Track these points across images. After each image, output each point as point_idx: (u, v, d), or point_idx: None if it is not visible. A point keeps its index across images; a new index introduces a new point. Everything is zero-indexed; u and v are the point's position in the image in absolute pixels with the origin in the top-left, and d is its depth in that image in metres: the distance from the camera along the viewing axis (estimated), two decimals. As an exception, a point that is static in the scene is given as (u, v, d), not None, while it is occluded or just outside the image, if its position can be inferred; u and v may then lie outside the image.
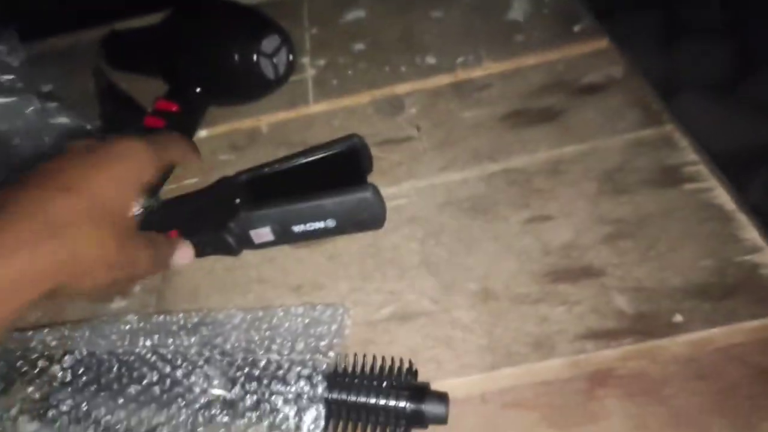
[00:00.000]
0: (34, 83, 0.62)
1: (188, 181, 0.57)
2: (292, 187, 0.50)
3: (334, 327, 0.41)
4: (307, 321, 0.42)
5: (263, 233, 0.48)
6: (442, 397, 0.35)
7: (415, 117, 0.58)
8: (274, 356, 0.39)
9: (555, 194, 0.48)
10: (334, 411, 0.36)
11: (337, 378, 0.37)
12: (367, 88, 0.62)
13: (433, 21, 0.68)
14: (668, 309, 0.39)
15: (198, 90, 0.58)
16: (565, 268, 0.43)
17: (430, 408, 0.35)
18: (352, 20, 0.72)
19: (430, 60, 0.63)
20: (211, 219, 0.48)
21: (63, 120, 0.58)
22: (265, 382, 0.38)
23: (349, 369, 0.38)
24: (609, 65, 0.57)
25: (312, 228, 0.47)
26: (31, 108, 0.55)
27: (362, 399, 0.36)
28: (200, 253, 0.48)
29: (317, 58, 0.67)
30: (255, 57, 0.56)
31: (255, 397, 0.37)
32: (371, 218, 0.47)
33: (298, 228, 0.48)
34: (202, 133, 0.61)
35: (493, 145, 0.53)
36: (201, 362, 0.39)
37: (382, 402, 0.35)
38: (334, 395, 0.36)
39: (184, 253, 0.46)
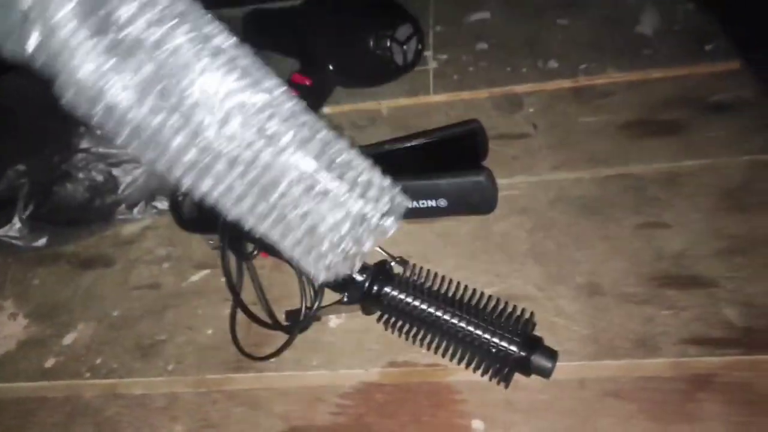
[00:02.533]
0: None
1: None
2: (409, 165, 0.52)
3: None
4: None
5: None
6: (553, 354, 0.36)
7: (533, 116, 0.59)
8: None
9: (671, 204, 0.48)
10: (451, 336, 0.39)
11: (456, 301, 0.40)
12: (487, 85, 0.64)
13: (559, 28, 0.69)
14: (783, 327, 0.39)
15: (331, 68, 0.61)
16: (675, 275, 0.43)
17: (540, 360, 0.36)
18: (476, 21, 0.74)
19: (553, 64, 0.64)
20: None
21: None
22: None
23: (474, 300, 0.40)
24: (739, 87, 0.56)
25: (424, 206, 0.50)
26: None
27: (478, 331, 0.38)
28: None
29: (440, 53, 0.70)
30: (388, 43, 0.59)
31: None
32: (483, 202, 0.49)
33: (411, 204, 0.50)
34: (326, 110, 0.65)
35: (610, 150, 0.54)
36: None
37: (496, 340, 0.37)
38: (451, 319, 0.38)
39: None
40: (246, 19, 0.73)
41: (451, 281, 0.42)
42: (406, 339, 0.41)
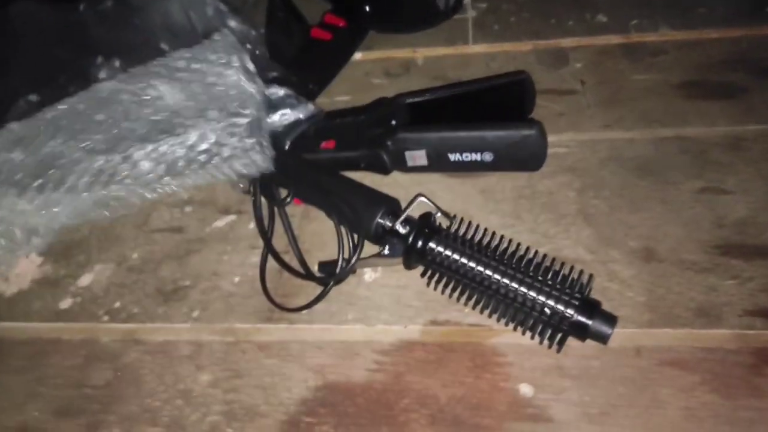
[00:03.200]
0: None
1: (340, 98, 0.57)
2: (452, 115, 0.49)
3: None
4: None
5: (418, 156, 0.47)
6: (612, 319, 0.34)
7: (580, 72, 0.56)
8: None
9: (733, 169, 0.45)
10: (500, 296, 0.36)
11: (507, 258, 0.37)
12: (530, 37, 0.60)
13: (608, -20, 0.65)
14: None
15: (367, 9, 0.57)
16: (738, 244, 0.41)
17: (598, 325, 0.34)
18: (517, -31, 0.70)
19: (601, 18, 0.60)
20: (369, 135, 0.48)
21: (232, 23, 0.59)
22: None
23: (526, 258, 0.38)
24: (802, 51, 0.53)
25: (468, 159, 0.47)
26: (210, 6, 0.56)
27: (531, 292, 0.35)
28: (354, 167, 0.48)
29: (479, 1, 0.66)
30: (431, -18, 0.55)
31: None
32: (531, 158, 0.46)
33: (453, 156, 0.47)
34: (357, 56, 0.61)
35: (666, 110, 0.50)
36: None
37: (551, 302, 0.35)
38: (502, 277, 0.36)
39: None
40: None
41: (501, 237, 0.39)
42: (451, 296, 0.39)
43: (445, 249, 0.38)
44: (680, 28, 0.58)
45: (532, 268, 0.37)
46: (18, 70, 0.54)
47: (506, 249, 0.38)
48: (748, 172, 0.45)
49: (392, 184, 0.48)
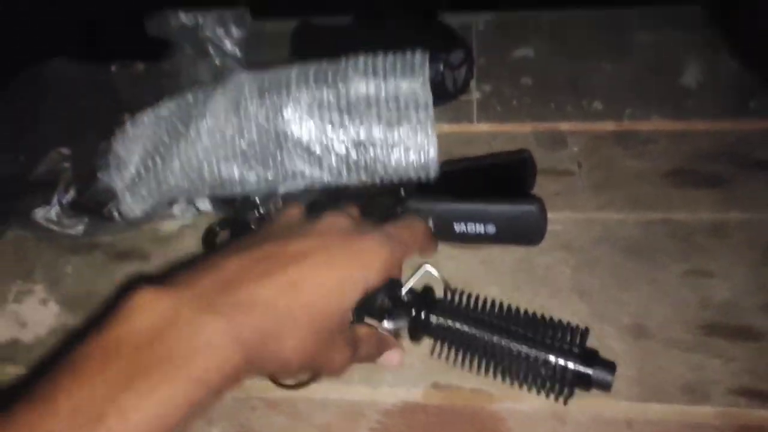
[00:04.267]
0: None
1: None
2: (458, 188, 0.52)
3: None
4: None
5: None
6: (612, 366, 0.36)
7: (576, 155, 0.60)
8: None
9: (717, 254, 0.48)
10: (505, 357, 0.38)
11: (505, 321, 0.39)
12: (531, 119, 0.64)
13: (604, 71, 0.70)
14: (833, 386, 0.39)
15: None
16: (722, 324, 0.43)
17: (600, 373, 0.36)
18: (519, 57, 0.75)
19: (597, 105, 0.65)
20: (379, 203, 0.51)
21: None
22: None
23: (523, 318, 0.40)
24: (783, 146, 0.57)
25: (472, 230, 0.50)
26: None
27: (534, 349, 0.37)
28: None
29: (483, 84, 0.71)
30: (441, 66, 0.60)
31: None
32: (531, 233, 0.49)
33: (458, 227, 0.50)
34: (369, 127, 0.65)
35: (655, 196, 0.54)
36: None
37: (553, 358, 0.37)
38: (503, 339, 0.38)
39: (392, 357, 0.41)
40: (295, 33, 0.74)
41: (494, 302, 0.42)
42: (456, 364, 0.40)
43: (448, 319, 0.40)
44: (671, 119, 0.62)
45: (531, 326, 0.39)
46: (50, 124, 0.58)
47: (502, 312, 0.40)
48: (731, 257, 0.48)
49: (399, 251, 0.51)
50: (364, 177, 0.51)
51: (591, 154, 0.59)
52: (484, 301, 0.42)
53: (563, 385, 0.37)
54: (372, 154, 0.50)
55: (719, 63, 0.69)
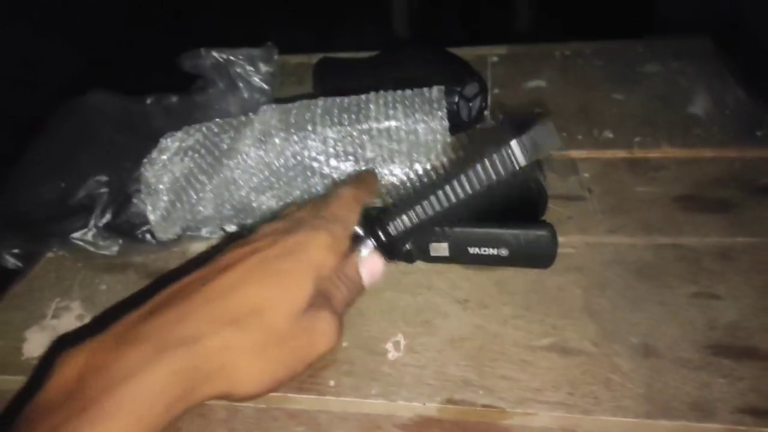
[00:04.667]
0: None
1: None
2: (472, 213, 0.55)
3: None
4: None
5: (441, 248, 0.53)
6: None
7: (588, 181, 0.62)
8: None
9: (724, 277, 0.50)
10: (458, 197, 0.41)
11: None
12: (543, 147, 0.67)
13: (614, 101, 0.73)
14: (838, 405, 0.40)
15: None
16: (728, 345, 0.45)
17: (535, 133, 0.39)
18: (532, 88, 0.78)
19: (608, 134, 0.67)
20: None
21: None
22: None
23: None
24: (789, 174, 0.59)
25: (485, 253, 0.52)
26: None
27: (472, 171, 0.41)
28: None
29: (497, 113, 0.73)
30: (456, 98, 0.63)
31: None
32: (542, 256, 0.51)
33: (473, 250, 0.52)
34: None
35: (664, 221, 0.56)
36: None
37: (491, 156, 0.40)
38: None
39: (371, 268, 0.41)
40: (317, 66, 0.77)
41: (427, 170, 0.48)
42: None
43: (400, 218, 0.43)
44: (680, 147, 0.64)
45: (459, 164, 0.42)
46: (89, 152, 0.61)
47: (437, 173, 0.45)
48: (738, 280, 0.49)
49: (416, 272, 0.54)
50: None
51: (602, 181, 0.62)
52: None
53: (512, 163, 0.39)
54: (393, 179, 0.53)
55: (727, 92, 0.71)
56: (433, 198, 0.41)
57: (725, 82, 0.73)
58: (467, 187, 0.40)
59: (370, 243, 0.42)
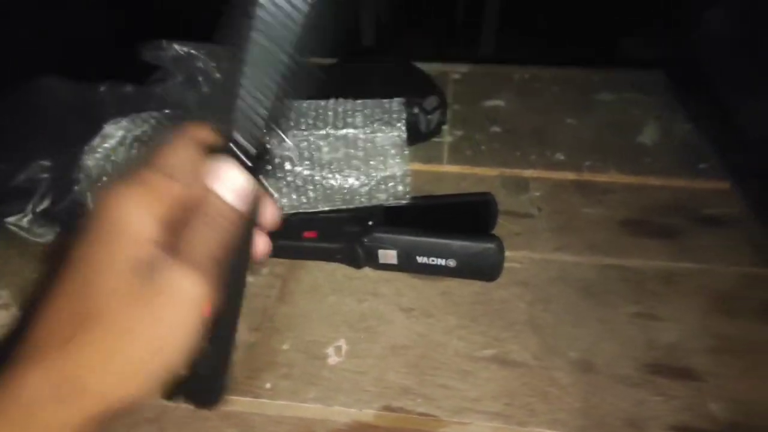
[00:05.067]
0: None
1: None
2: (424, 223, 0.55)
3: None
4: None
5: (389, 255, 0.52)
6: None
7: (538, 200, 0.63)
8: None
9: (666, 300, 0.51)
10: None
11: None
12: (498, 165, 0.68)
13: (567, 125, 0.74)
14: (763, 425, 0.41)
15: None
16: (666, 365, 0.45)
17: None
18: (491, 107, 0.79)
19: (559, 156, 0.69)
20: (347, 231, 0.53)
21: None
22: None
23: None
24: (729, 205, 0.61)
25: (434, 263, 0.52)
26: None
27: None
28: (330, 258, 0.53)
29: (455, 129, 0.74)
30: (416, 110, 0.63)
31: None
32: (489, 268, 0.51)
33: (421, 259, 0.52)
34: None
35: (610, 242, 0.57)
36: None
37: None
38: None
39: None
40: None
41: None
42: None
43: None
44: (628, 173, 0.66)
45: None
46: (36, 137, 0.59)
47: None
48: (679, 302, 0.50)
49: (362, 278, 0.53)
50: (341, 205, 0.54)
51: (551, 200, 0.62)
52: None
53: None
54: (349, 184, 0.53)
55: (676, 125, 0.74)
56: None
57: (675, 114, 0.76)
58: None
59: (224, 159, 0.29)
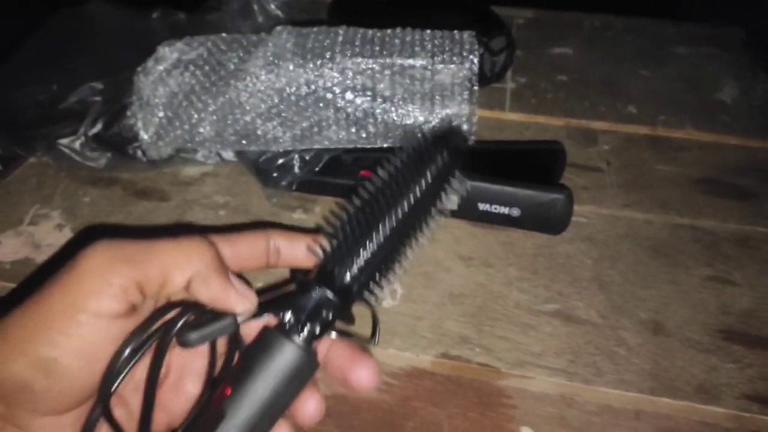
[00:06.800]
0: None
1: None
2: (488, 169, 0.52)
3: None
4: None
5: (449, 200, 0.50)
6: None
7: (607, 153, 0.59)
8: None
9: (741, 264, 0.48)
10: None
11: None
12: (564, 114, 0.64)
13: (640, 77, 0.70)
14: None
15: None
16: (741, 332, 0.43)
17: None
18: (558, 54, 0.75)
19: (632, 109, 0.65)
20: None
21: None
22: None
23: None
24: (814, 169, 0.57)
25: (495, 211, 0.49)
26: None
27: None
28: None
29: (519, 75, 0.70)
30: (482, 50, 0.59)
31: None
32: (555, 221, 0.48)
33: (483, 206, 0.49)
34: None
35: (683, 201, 0.53)
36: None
37: None
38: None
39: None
40: (334, 4, 0.73)
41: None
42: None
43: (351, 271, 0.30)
44: (704, 130, 0.62)
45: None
46: (87, 59, 0.57)
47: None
48: (755, 268, 0.47)
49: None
50: (400, 144, 0.51)
51: (621, 155, 0.59)
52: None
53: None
54: (411, 120, 0.50)
55: (757, 84, 0.68)
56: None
57: (756, 74, 0.71)
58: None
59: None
